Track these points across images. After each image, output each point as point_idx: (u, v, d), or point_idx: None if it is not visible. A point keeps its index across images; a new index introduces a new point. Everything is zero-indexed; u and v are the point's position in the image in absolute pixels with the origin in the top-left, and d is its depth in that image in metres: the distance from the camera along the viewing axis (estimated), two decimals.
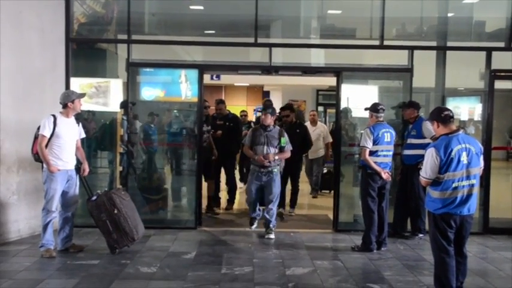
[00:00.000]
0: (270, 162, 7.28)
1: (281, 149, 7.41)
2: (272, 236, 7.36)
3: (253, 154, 7.42)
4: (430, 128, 6.34)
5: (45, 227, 6.23)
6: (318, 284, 5.50)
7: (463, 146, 4.68)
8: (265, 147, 7.31)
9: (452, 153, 4.62)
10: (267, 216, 7.46)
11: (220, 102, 9.54)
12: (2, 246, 6.71)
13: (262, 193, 7.54)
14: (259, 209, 7.81)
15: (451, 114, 4.80)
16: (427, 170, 4.75)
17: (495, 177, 8.15)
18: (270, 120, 7.37)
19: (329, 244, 7.22)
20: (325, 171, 11.32)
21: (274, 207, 7.48)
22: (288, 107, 9.18)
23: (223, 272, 5.78)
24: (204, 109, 8.31)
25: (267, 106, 8.15)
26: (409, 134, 7.33)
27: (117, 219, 6.27)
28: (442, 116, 4.76)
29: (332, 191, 9.96)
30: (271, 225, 7.46)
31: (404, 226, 7.56)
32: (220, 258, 6.32)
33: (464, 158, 4.67)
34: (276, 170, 7.39)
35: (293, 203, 9.10)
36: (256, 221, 7.86)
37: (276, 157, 7.34)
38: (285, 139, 7.43)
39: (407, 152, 7.32)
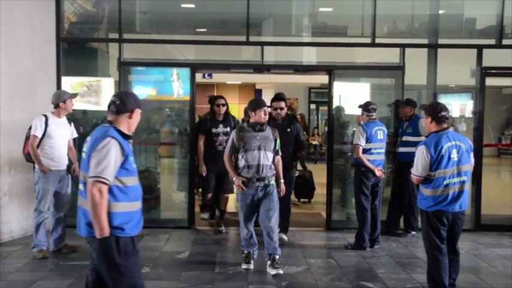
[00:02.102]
0: (244, 187, 5.67)
1: (276, 153, 5.86)
2: (281, 271, 5.68)
3: (233, 170, 5.75)
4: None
5: (37, 228, 6.19)
6: (312, 283, 5.51)
7: (453, 143, 4.70)
8: (261, 153, 5.64)
9: (443, 151, 4.65)
10: (270, 242, 5.75)
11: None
12: None
13: (257, 211, 5.86)
14: (255, 240, 5.97)
15: (447, 115, 4.81)
16: (418, 168, 4.78)
17: (487, 173, 8.20)
18: (266, 116, 5.80)
19: (322, 242, 7.23)
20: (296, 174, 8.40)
21: (275, 226, 5.80)
22: (280, 97, 7.09)
23: (217, 272, 5.78)
24: (219, 107, 7.54)
25: (262, 100, 6.32)
26: (405, 132, 7.34)
27: None
28: (438, 115, 4.76)
29: (310, 200, 9.97)
30: (277, 257, 5.77)
31: (397, 224, 7.59)
32: (213, 258, 6.31)
33: (454, 155, 4.69)
34: (273, 181, 5.78)
35: (284, 227, 7.06)
36: (256, 254, 6.03)
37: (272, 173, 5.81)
38: (279, 140, 5.90)
39: (402, 149, 7.34)
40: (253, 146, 5.64)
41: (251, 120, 5.78)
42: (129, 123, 3.56)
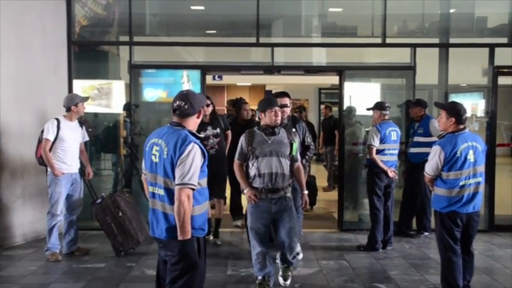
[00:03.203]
0: (256, 199, 4.99)
1: (292, 160, 5.10)
2: (288, 282, 5.33)
3: (245, 180, 5.05)
4: (437, 126, 6.31)
5: (50, 231, 6.23)
6: (324, 285, 5.49)
7: (470, 144, 4.66)
8: (274, 160, 4.93)
9: (458, 152, 4.61)
10: (286, 254, 5.26)
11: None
12: (8, 250, 6.71)
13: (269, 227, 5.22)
14: (270, 261, 5.22)
15: (466, 117, 4.78)
16: (430, 167, 4.75)
17: (500, 173, 8.13)
18: (278, 118, 5.08)
19: (334, 244, 7.20)
20: None
21: (296, 245, 5.37)
22: (285, 94, 6.09)
23: (229, 274, 5.77)
24: (205, 107, 6.79)
25: (273, 99, 5.44)
26: (416, 132, 7.30)
27: (122, 222, 6.28)
28: (462, 118, 4.71)
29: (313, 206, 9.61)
30: (292, 266, 5.42)
31: (409, 225, 7.54)
32: (225, 260, 6.30)
33: (471, 156, 4.65)
34: (289, 193, 5.10)
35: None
36: (272, 281, 5.24)
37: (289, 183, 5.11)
38: (296, 144, 5.16)
39: (413, 150, 7.30)
40: (264, 151, 4.92)
41: (261, 122, 5.10)
42: (196, 123, 3.64)
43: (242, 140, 5.09)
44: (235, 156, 5.15)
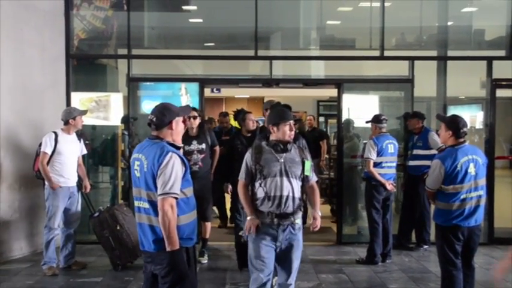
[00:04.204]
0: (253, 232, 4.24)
1: (304, 180, 4.37)
2: None
3: (249, 204, 4.29)
4: (436, 139, 6.31)
5: (47, 245, 6.18)
6: None
7: (470, 157, 4.63)
8: (284, 180, 4.22)
9: (458, 166, 4.57)
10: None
11: (226, 115, 8.98)
12: (4, 264, 6.65)
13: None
14: None
15: (466, 131, 4.76)
16: (431, 181, 4.73)
17: (499, 186, 8.11)
18: (292, 132, 4.36)
19: (333, 257, 7.16)
20: None
21: (293, 282, 4.39)
22: (288, 107, 5.57)
23: (228, 287, 5.73)
24: (190, 120, 6.47)
25: (287, 110, 4.57)
26: (415, 145, 7.30)
27: (119, 236, 6.24)
28: (460, 131, 4.69)
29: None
30: None
31: (409, 237, 7.51)
32: (224, 273, 6.26)
33: (472, 170, 4.62)
34: (299, 221, 4.32)
35: None
36: None
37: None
38: (310, 162, 4.42)
39: (413, 162, 7.30)
40: (273, 171, 4.22)
41: (272, 137, 4.33)
42: (172, 134, 3.62)
43: (248, 157, 4.33)
44: (239, 176, 4.39)
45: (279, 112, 4.46)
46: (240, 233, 5.62)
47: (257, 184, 4.26)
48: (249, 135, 6.57)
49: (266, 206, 4.21)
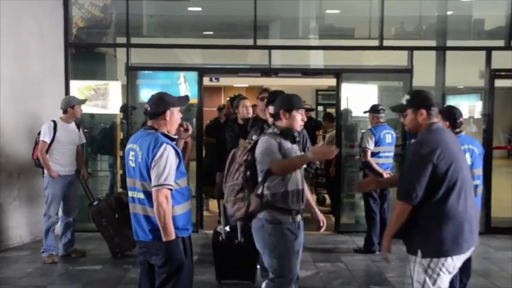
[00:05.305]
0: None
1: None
2: None
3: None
4: None
5: (46, 233, 6.22)
6: (321, 287, 5.49)
7: (466, 147, 4.66)
8: (299, 173, 3.86)
9: None
10: None
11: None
12: (4, 252, 6.69)
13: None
14: None
15: (463, 121, 4.79)
16: None
17: (496, 175, 8.14)
18: (302, 123, 3.94)
19: (331, 246, 7.20)
20: None
21: None
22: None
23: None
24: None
25: (299, 96, 4.07)
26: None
27: (118, 224, 6.26)
28: (457, 122, 4.72)
29: None
30: None
31: None
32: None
33: (468, 159, 4.65)
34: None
35: None
36: None
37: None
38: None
39: None
40: None
41: (281, 124, 3.85)
42: (167, 125, 3.61)
43: (275, 145, 3.70)
44: (269, 163, 3.66)
45: (293, 97, 3.96)
46: (218, 229, 5.40)
47: (273, 177, 3.70)
48: (243, 123, 6.10)
49: (289, 202, 3.75)
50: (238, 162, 3.79)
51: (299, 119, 3.84)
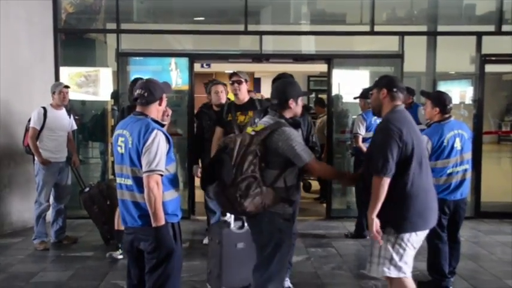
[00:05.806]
0: None
1: None
2: None
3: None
4: (424, 114, 6.31)
5: (37, 220, 6.22)
6: (312, 272, 5.54)
7: (456, 132, 4.71)
8: None
9: (445, 141, 4.65)
10: None
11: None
12: None
13: None
14: None
15: (452, 107, 4.81)
16: None
17: (486, 160, 8.20)
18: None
19: (322, 231, 7.24)
20: None
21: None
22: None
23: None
24: None
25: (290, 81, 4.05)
26: None
27: (109, 211, 6.26)
28: (447, 107, 4.74)
29: None
30: None
31: None
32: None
33: (457, 144, 4.70)
34: None
35: None
36: None
37: None
38: None
39: None
40: None
41: (286, 114, 3.67)
42: (159, 111, 3.62)
43: (299, 136, 3.66)
44: (307, 157, 3.50)
45: (296, 84, 3.83)
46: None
47: (290, 169, 3.56)
48: (217, 109, 6.01)
49: (295, 195, 3.67)
50: (247, 152, 3.42)
51: (301, 104, 3.76)
